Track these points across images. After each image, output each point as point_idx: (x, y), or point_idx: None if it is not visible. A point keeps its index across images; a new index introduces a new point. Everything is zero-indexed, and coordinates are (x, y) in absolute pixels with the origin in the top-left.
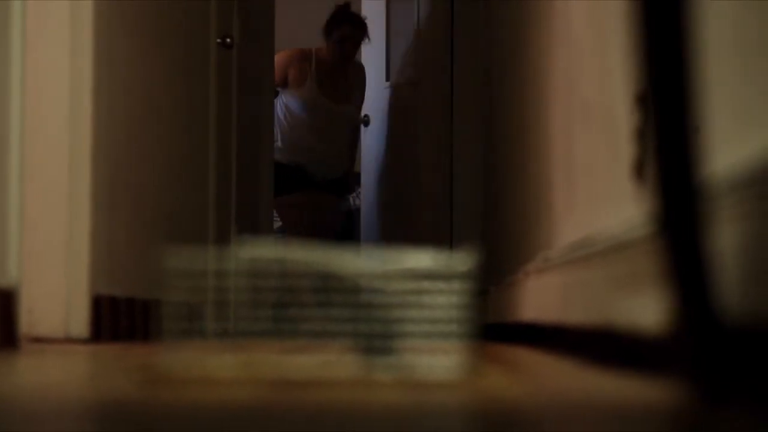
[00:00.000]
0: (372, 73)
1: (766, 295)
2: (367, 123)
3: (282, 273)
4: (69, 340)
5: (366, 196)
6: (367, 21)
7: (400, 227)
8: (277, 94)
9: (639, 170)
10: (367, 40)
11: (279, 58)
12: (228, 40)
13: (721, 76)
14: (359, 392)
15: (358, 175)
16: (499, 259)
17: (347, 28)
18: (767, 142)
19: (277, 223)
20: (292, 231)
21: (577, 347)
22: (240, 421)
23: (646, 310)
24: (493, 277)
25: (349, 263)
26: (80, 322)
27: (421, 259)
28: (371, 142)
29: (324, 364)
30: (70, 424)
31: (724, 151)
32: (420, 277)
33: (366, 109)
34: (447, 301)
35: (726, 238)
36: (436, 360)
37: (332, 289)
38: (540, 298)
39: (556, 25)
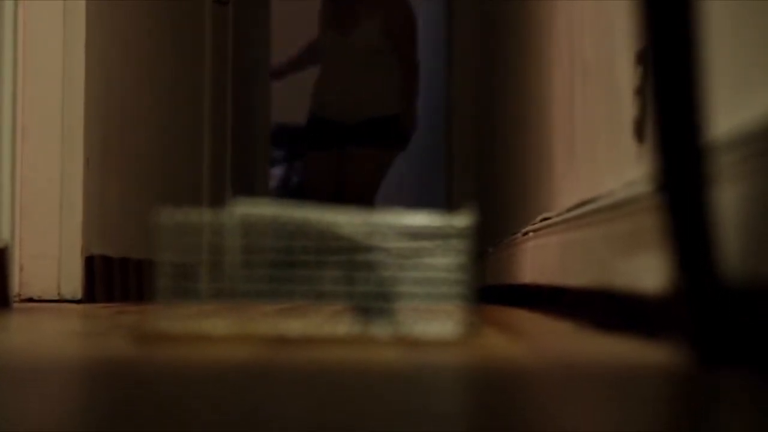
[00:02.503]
0: None
1: (766, 256)
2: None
3: (278, 233)
4: (62, 300)
5: None
6: None
7: (397, 187)
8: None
9: (639, 130)
10: None
11: None
12: None
13: (720, 44)
14: (356, 351)
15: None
16: (498, 221)
17: None
18: (765, 107)
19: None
20: (316, 194)
21: (577, 309)
22: (235, 379)
23: (646, 271)
24: (492, 238)
25: (347, 223)
26: (73, 282)
27: (418, 218)
28: None
29: (320, 325)
30: (64, 382)
31: (725, 116)
32: (418, 236)
33: None
34: (445, 262)
35: (727, 198)
36: (434, 320)
37: (329, 250)
38: (539, 259)
39: None
